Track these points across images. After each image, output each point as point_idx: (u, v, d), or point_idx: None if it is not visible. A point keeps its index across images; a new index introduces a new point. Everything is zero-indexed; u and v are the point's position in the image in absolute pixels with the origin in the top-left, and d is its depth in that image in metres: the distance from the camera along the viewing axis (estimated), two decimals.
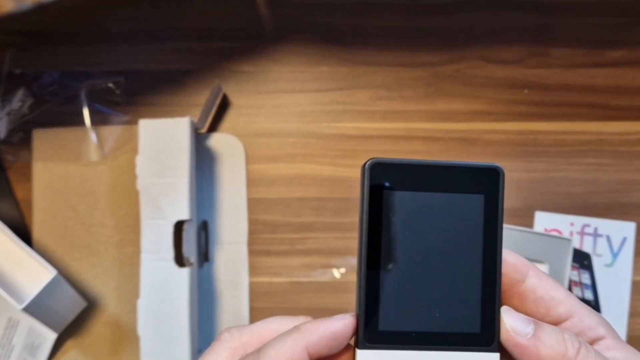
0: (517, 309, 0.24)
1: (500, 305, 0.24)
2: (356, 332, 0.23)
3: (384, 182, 0.23)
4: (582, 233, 0.55)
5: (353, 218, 0.55)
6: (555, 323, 0.25)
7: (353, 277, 0.55)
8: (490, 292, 0.23)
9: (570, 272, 0.54)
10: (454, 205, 0.23)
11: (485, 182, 0.24)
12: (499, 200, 0.24)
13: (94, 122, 0.55)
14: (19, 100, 0.54)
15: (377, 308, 0.23)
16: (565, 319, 0.25)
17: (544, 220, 0.56)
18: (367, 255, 0.23)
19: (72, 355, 0.53)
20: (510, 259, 0.25)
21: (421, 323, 0.23)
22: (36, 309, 0.47)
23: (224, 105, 0.57)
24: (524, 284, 0.25)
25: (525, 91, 0.57)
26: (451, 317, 0.23)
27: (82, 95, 0.55)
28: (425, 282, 0.23)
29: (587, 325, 0.24)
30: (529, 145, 0.56)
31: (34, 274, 0.47)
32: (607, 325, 0.25)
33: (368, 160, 0.23)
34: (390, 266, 0.23)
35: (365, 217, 0.23)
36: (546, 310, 0.25)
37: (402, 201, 0.23)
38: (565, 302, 0.25)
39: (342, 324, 0.23)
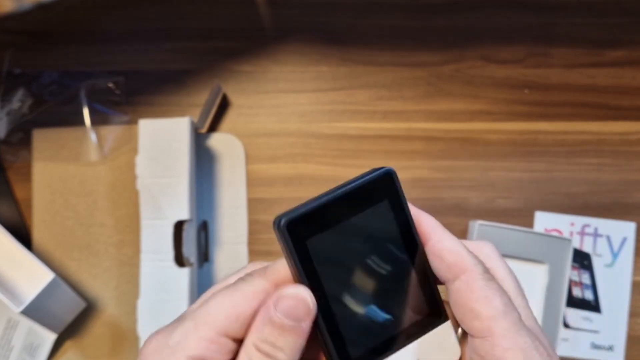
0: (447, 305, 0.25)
1: (436, 282, 0.25)
2: None
3: (302, 233, 0.24)
4: (582, 233, 0.55)
5: None
6: (470, 334, 0.24)
7: None
8: (423, 274, 0.25)
9: (570, 272, 0.54)
10: (368, 222, 0.24)
11: (382, 188, 0.25)
12: (400, 195, 0.25)
13: (94, 122, 0.55)
14: (18, 100, 0.54)
15: (342, 338, 0.24)
16: (478, 337, 0.23)
17: (544, 220, 0.55)
18: (316, 299, 0.24)
19: (72, 355, 0.53)
20: (449, 257, 0.24)
21: (383, 332, 0.25)
22: (35, 311, 0.47)
23: (224, 105, 0.57)
24: (452, 284, 0.24)
25: (526, 91, 0.57)
26: (404, 314, 0.25)
27: (82, 95, 0.55)
28: (372, 296, 0.25)
29: (493, 354, 0.23)
30: (529, 145, 0.56)
31: (32, 276, 0.47)
32: (522, 352, 0.23)
33: (276, 219, 0.23)
34: (336, 298, 0.24)
35: (301, 272, 0.24)
36: (462, 317, 0.24)
37: (323, 242, 0.24)
38: (484, 320, 0.23)
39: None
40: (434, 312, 0.25)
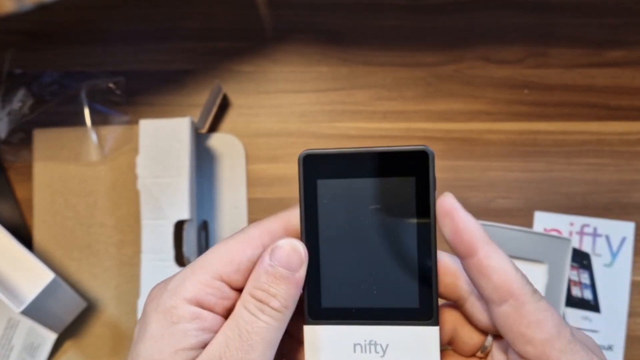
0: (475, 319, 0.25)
1: (437, 283, 0.24)
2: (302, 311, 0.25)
3: (317, 171, 0.24)
4: (581, 233, 0.56)
5: None
6: (522, 357, 0.23)
7: None
8: (426, 270, 0.24)
9: (569, 272, 0.54)
10: (386, 189, 0.24)
11: (414, 165, 0.24)
12: (430, 181, 0.24)
13: (94, 122, 0.55)
14: (19, 100, 0.54)
15: (319, 287, 0.25)
16: None
17: (543, 220, 0.56)
18: (305, 238, 0.25)
19: (72, 355, 0.53)
20: (496, 278, 0.23)
21: (363, 300, 0.24)
22: (35, 311, 0.47)
23: (224, 105, 0.57)
24: (499, 308, 0.23)
25: (525, 91, 0.57)
26: (391, 294, 0.24)
27: (82, 95, 0.55)
28: (364, 262, 0.24)
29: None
30: (529, 145, 0.56)
31: (32, 276, 0.47)
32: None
33: (302, 151, 0.24)
34: (328, 249, 0.24)
35: (302, 205, 0.25)
36: (513, 341, 0.23)
37: (335, 188, 0.24)
38: (537, 345, 0.23)
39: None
40: (424, 309, 0.24)
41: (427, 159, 0.24)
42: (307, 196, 0.24)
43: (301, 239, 0.25)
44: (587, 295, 0.55)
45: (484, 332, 0.26)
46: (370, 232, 0.24)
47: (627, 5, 0.58)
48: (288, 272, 0.24)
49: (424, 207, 0.24)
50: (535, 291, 0.23)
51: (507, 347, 0.25)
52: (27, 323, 0.51)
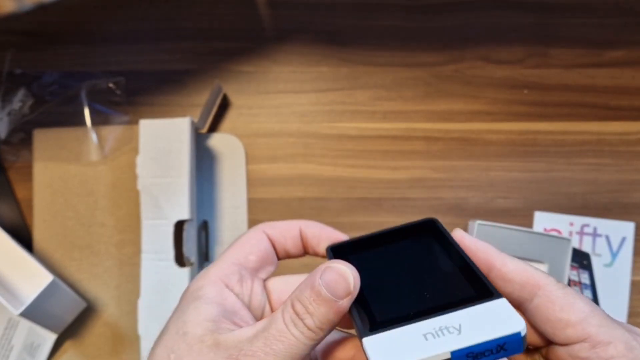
0: (529, 326, 0.25)
1: (479, 269, 0.25)
2: (356, 328, 0.24)
3: (341, 254, 0.28)
4: (581, 233, 0.56)
5: (353, 218, 0.55)
6: (565, 344, 0.24)
7: None
8: (464, 265, 0.25)
9: (569, 272, 0.54)
10: (407, 246, 0.28)
11: (428, 229, 0.28)
12: (446, 235, 0.27)
13: (95, 122, 0.55)
14: (19, 101, 0.54)
15: (369, 309, 0.25)
16: (575, 342, 0.23)
17: (543, 220, 0.56)
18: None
19: (72, 355, 0.53)
20: (519, 277, 0.24)
21: (416, 305, 0.24)
22: (34, 313, 0.47)
23: (224, 105, 0.57)
24: (531, 303, 0.24)
25: (525, 91, 0.57)
26: (443, 295, 0.24)
27: (83, 95, 0.55)
28: (406, 284, 0.26)
29: (596, 352, 0.23)
30: (529, 145, 0.56)
31: (32, 278, 0.47)
32: (623, 342, 0.23)
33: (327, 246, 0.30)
34: (371, 284, 0.26)
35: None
36: (553, 331, 0.24)
37: (362, 259, 0.27)
38: (576, 324, 0.23)
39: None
40: (482, 293, 0.24)
41: (435, 224, 0.28)
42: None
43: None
44: (587, 295, 0.55)
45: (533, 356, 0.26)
46: (405, 262, 0.27)
47: (627, 5, 0.58)
48: (331, 298, 0.24)
49: (444, 238, 0.27)
50: (559, 281, 0.24)
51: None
52: (27, 323, 0.51)
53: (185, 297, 0.27)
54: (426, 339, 0.22)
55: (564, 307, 0.24)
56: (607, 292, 0.55)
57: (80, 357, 0.53)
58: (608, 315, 0.24)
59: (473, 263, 0.25)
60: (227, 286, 0.27)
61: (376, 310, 0.24)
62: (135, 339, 0.52)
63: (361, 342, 0.23)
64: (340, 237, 0.30)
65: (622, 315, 0.55)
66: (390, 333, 0.23)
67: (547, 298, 0.24)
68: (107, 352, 0.53)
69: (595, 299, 0.55)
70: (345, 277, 0.24)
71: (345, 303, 0.24)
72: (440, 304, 0.24)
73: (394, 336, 0.23)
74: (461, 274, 0.25)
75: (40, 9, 0.45)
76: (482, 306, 0.23)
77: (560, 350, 0.24)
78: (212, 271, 0.28)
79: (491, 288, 0.24)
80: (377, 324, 0.24)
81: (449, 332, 0.22)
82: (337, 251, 0.28)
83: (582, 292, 0.55)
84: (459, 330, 0.22)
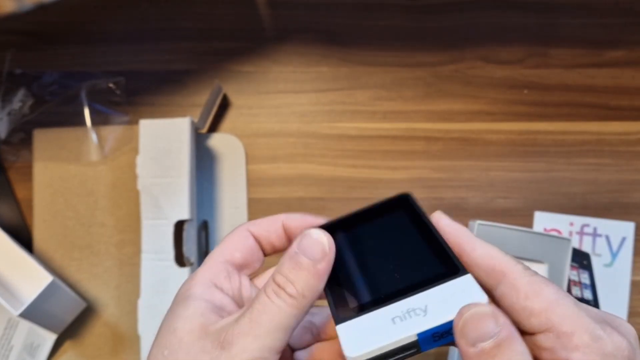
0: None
1: (449, 246, 0.25)
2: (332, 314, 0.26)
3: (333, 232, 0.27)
4: (581, 233, 0.56)
5: None
6: (530, 333, 0.23)
7: None
8: (432, 240, 0.26)
9: (569, 272, 0.54)
10: (381, 224, 0.28)
11: (402, 206, 0.28)
12: (418, 211, 0.28)
13: (95, 122, 0.55)
14: (19, 101, 0.54)
15: (342, 293, 0.26)
16: (539, 332, 0.23)
17: (543, 220, 0.56)
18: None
19: (72, 355, 0.53)
20: (485, 263, 0.24)
21: (386, 287, 0.25)
22: (33, 313, 0.47)
23: (224, 105, 0.57)
24: (497, 290, 0.24)
25: (525, 91, 0.57)
26: (411, 273, 0.25)
27: (83, 95, 0.55)
28: (376, 263, 0.27)
29: (560, 342, 0.22)
30: (529, 145, 0.56)
31: (31, 279, 0.47)
32: (588, 332, 0.22)
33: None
34: (343, 264, 0.27)
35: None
36: (518, 319, 0.23)
37: (343, 237, 0.28)
38: (540, 313, 0.22)
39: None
40: (448, 269, 0.24)
41: (408, 200, 0.28)
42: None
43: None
44: (587, 295, 0.55)
45: None
46: (375, 241, 0.28)
47: (627, 5, 0.58)
48: (309, 261, 0.25)
49: (417, 214, 0.27)
50: (527, 268, 0.24)
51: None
52: (27, 323, 0.51)
53: (175, 299, 0.27)
54: (394, 323, 0.23)
55: (528, 295, 0.23)
56: (607, 292, 0.55)
57: (80, 357, 0.53)
58: (577, 303, 0.23)
59: (443, 240, 0.25)
60: (215, 284, 0.28)
61: (349, 295, 0.25)
62: (135, 339, 0.52)
63: (335, 328, 0.24)
64: (323, 222, 0.30)
65: (622, 316, 0.55)
66: (361, 319, 0.24)
67: (512, 285, 0.23)
68: (107, 352, 0.53)
69: (595, 299, 0.55)
70: (319, 240, 0.25)
71: (324, 265, 0.25)
72: (409, 285, 0.24)
73: (365, 322, 0.24)
74: (431, 252, 0.25)
75: (40, 9, 0.45)
76: (447, 284, 0.24)
77: (526, 340, 0.23)
78: (200, 272, 0.28)
79: (457, 264, 0.24)
80: (350, 310, 0.25)
81: (416, 314, 0.23)
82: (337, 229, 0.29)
83: (582, 292, 0.55)
84: (425, 312, 0.23)
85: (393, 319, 0.24)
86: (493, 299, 0.24)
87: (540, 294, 0.23)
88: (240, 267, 0.30)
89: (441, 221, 0.26)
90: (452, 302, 0.23)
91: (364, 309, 0.24)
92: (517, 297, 0.23)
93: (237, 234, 0.30)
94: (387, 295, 0.24)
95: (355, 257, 0.27)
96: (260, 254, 0.31)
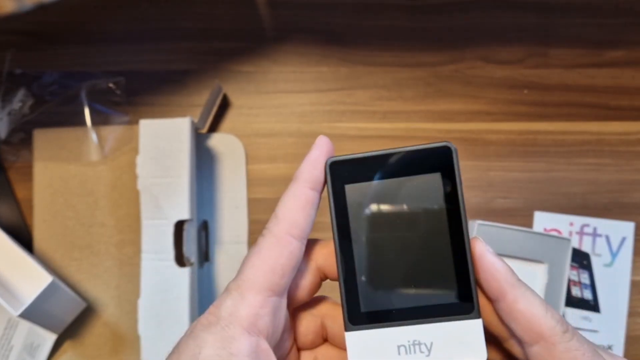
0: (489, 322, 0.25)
1: (475, 275, 0.24)
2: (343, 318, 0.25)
3: (344, 177, 0.25)
4: (581, 233, 0.56)
5: None
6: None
7: None
8: (462, 263, 0.24)
9: (569, 272, 0.54)
10: (414, 188, 0.24)
11: (439, 160, 0.24)
12: (456, 175, 0.24)
13: (95, 122, 0.55)
14: (19, 101, 0.54)
15: (357, 291, 0.25)
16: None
17: (543, 220, 0.56)
18: (339, 246, 0.25)
19: (72, 355, 0.53)
20: (525, 321, 0.23)
21: (402, 300, 0.24)
22: (33, 314, 0.47)
23: (224, 105, 0.57)
24: (531, 347, 0.24)
25: (525, 91, 0.57)
26: (429, 291, 0.24)
27: (83, 95, 0.55)
28: (399, 262, 0.24)
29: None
30: (529, 145, 0.56)
31: (31, 279, 0.47)
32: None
33: (328, 159, 0.25)
34: (363, 253, 0.25)
35: (333, 212, 0.25)
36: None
37: (363, 192, 0.25)
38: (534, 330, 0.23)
39: (318, 150, 0.26)
40: (464, 303, 0.24)
41: (450, 154, 0.24)
42: (337, 202, 0.25)
43: (335, 246, 0.25)
44: (587, 295, 0.55)
45: None
46: (402, 231, 0.25)
47: (627, 5, 0.58)
48: (294, 181, 0.25)
49: (453, 201, 0.24)
50: (566, 330, 0.23)
51: None
52: (27, 323, 0.51)
53: (213, 343, 0.23)
54: (399, 354, 0.24)
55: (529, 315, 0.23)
56: (607, 292, 0.55)
57: (80, 357, 0.53)
58: None
59: (469, 262, 0.24)
60: (262, 329, 0.24)
61: (362, 294, 0.24)
62: (135, 339, 0.52)
63: (344, 333, 0.24)
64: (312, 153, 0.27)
65: (622, 315, 0.55)
66: (370, 333, 0.24)
67: (548, 352, 0.23)
68: (107, 352, 0.53)
69: (595, 299, 0.55)
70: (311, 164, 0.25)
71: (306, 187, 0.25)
72: (422, 307, 0.24)
73: (373, 337, 0.24)
74: (453, 268, 0.24)
75: (40, 9, 0.45)
76: (458, 323, 0.24)
77: None
78: (244, 313, 0.23)
79: (475, 304, 0.24)
80: (361, 316, 0.24)
81: (420, 350, 0.24)
82: (334, 171, 0.25)
83: (582, 292, 0.55)
84: (429, 351, 0.24)
85: (399, 347, 0.24)
86: (526, 352, 0.24)
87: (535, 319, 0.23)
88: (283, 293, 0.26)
89: (486, 255, 0.24)
90: (456, 346, 0.24)
91: (374, 320, 0.24)
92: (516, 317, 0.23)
93: (272, 242, 0.25)
94: (398, 312, 0.24)
95: (374, 238, 0.25)
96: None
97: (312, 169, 0.25)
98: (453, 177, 0.24)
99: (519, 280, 0.24)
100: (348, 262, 0.25)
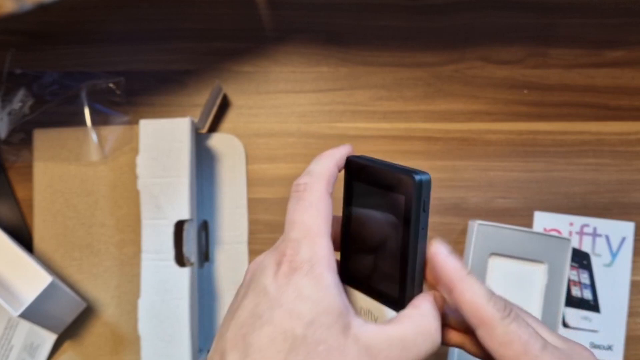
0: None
1: (416, 287, 0.29)
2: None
3: (354, 175, 0.31)
4: (581, 233, 0.56)
5: None
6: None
7: None
8: (410, 268, 0.29)
9: (569, 272, 0.54)
10: (387, 199, 0.29)
11: (405, 185, 0.29)
12: (414, 203, 0.28)
13: (95, 122, 0.55)
14: (19, 101, 0.54)
15: (346, 261, 0.32)
16: None
17: (543, 220, 0.56)
18: (344, 219, 0.32)
19: (72, 355, 0.53)
20: (469, 310, 0.28)
21: (370, 276, 0.31)
22: (33, 314, 0.47)
23: (224, 105, 0.57)
24: (477, 331, 0.28)
25: (525, 91, 0.57)
26: (386, 279, 0.30)
27: (83, 95, 0.55)
28: (372, 251, 0.30)
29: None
30: (529, 145, 0.56)
31: (30, 279, 0.47)
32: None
33: (349, 156, 0.32)
34: (353, 236, 0.31)
35: (344, 193, 0.32)
36: (492, 354, 0.28)
37: (363, 190, 0.31)
38: (512, 358, 0.28)
39: (344, 150, 0.32)
40: (400, 301, 0.29)
41: (413, 183, 0.28)
42: (347, 187, 0.32)
43: (342, 224, 0.32)
44: (587, 295, 0.55)
45: None
46: (381, 225, 0.30)
47: (627, 5, 0.58)
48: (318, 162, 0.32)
49: (408, 224, 0.28)
50: (506, 316, 0.28)
51: None
52: (27, 323, 0.51)
53: (309, 281, 0.27)
54: (360, 313, 0.31)
55: (501, 344, 0.27)
56: (606, 292, 0.55)
57: (80, 357, 0.53)
58: (544, 347, 0.28)
59: (410, 255, 0.29)
60: (334, 269, 0.28)
61: (349, 261, 0.32)
62: (135, 339, 0.53)
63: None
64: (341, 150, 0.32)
65: (622, 315, 0.55)
66: (349, 289, 0.32)
67: (488, 334, 0.28)
68: (107, 352, 0.54)
69: (595, 299, 0.55)
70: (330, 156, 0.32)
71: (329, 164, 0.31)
72: (379, 288, 0.30)
73: (351, 293, 0.32)
74: (399, 270, 0.29)
75: (40, 9, 0.45)
76: (393, 313, 0.30)
77: None
78: (321, 254, 0.28)
79: (405, 304, 0.29)
80: (347, 275, 0.32)
81: (371, 318, 0.31)
82: (348, 167, 0.31)
83: (581, 292, 0.55)
84: (375, 322, 0.30)
85: (360, 308, 0.31)
86: (475, 335, 0.29)
87: (511, 345, 0.27)
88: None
89: (438, 256, 0.29)
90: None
91: (351, 282, 0.31)
92: (492, 342, 0.28)
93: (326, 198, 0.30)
94: (365, 284, 0.31)
95: (363, 223, 0.31)
96: None
97: (339, 154, 0.31)
98: (411, 205, 0.28)
99: (469, 274, 0.28)
100: (345, 238, 0.32)
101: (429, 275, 0.30)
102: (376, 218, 0.30)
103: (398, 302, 0.29)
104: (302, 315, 0.25)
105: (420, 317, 0.28)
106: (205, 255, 0.54)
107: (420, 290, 0.29)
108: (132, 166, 0.53)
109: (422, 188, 0.28)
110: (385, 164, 0.30)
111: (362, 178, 0.30)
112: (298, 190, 0.30)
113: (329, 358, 0.25)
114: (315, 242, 0.28)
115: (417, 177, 0.28)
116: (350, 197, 0.31)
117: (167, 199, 0.50)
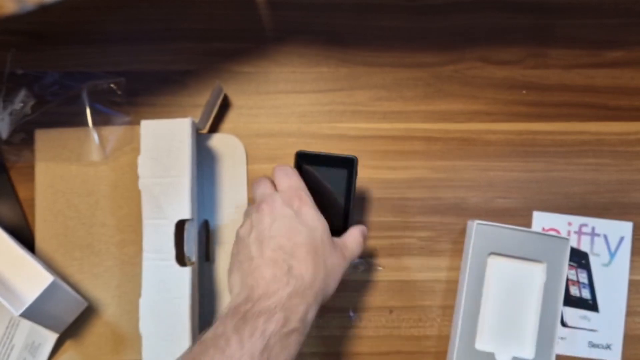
0: None
1: (351, 221, 0.49)
2: None
3: (300, 161, 0.49)
4: (579, 232, 0.56)
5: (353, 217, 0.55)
6: None
7: (354, 276, 0.55)
8: (350, 212, 0.49)
9: (568, 271, 0.54)
10: (331, 172, 0.48)
11: (348, 163, 0.48)
12: (354, 172, 0.48)
13: (96, 123, 0.55)
14: (20, 101, 0.54)
15: None
16: None
17: (542, 220, 0.56)
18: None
19: (73, 354, 0.54)
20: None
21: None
22: (34, 313, 0.47)
23: (225, 105, 0.57)
24: None
25: (524, 92, 0.57)
26: (336, 218, 0.48)
27: (84, 95, 0.55)
28: (325, 197, 0.48)
29: None
30: (528, 145, 0.57)
31: (32, 279, 0.47)
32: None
33: (298, 150, 0.49)
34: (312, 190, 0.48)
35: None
36: None
37: (308, 170, 0.49)
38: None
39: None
40: (343, 228, 0.48)
41: (354, 162, 0.48)
42: (299, 171, 0.48)
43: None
44: (586, 294, 0.55)
45: None
46: (328, 188, 0.49)
47: (626, 5, 0.58)
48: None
49: (350, 182, 0.48)
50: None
51: None
52: (28, 322, 0.52)
53: (336, 254, 0.45)
54: None
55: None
56: (605, 292, 0.55)
57: (81, 357, 0.54)
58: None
59: (350, 204, 0.48)
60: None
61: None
62: (136, 339, 0.53)
63: None
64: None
65: (620, 315, 0.55)
66: None
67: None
68: (107, 351, 0.54)
69: (593, 298, 0.55)
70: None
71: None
72: (331, 225, 0.46)
73: None
74: (344, 207, 0.49)
75: (41, 9, 0.45)
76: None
77: None
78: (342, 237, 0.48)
79: (347, 226, 0.49)
80: None
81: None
82: (298, 158, 0.49)
83: (580, 291, 0.55)
84: None
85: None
86: None
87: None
88: None
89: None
90: None
91: None
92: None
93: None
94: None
95: (312, 184, 0.47)
96: None
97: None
98: (352, 173, 0.48)
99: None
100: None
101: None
102: (324, 184, 0.48)
103: (342, 230, 0.48)
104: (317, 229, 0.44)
105: (354, 236, 0.48)
106: (205, 255, 0.55)
107: (353, 223, 0.49)
108: (133, 166, 0.53)
109: (356, 164, 0.48)
110: (325, 153, 0.49)
111: (311, 162, 0.48)
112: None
113: (330, 253, 0.44)
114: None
115: (355, 157, 0.48)
116: (305, 176, 0.48)
117: (167, 199, 0.50)
